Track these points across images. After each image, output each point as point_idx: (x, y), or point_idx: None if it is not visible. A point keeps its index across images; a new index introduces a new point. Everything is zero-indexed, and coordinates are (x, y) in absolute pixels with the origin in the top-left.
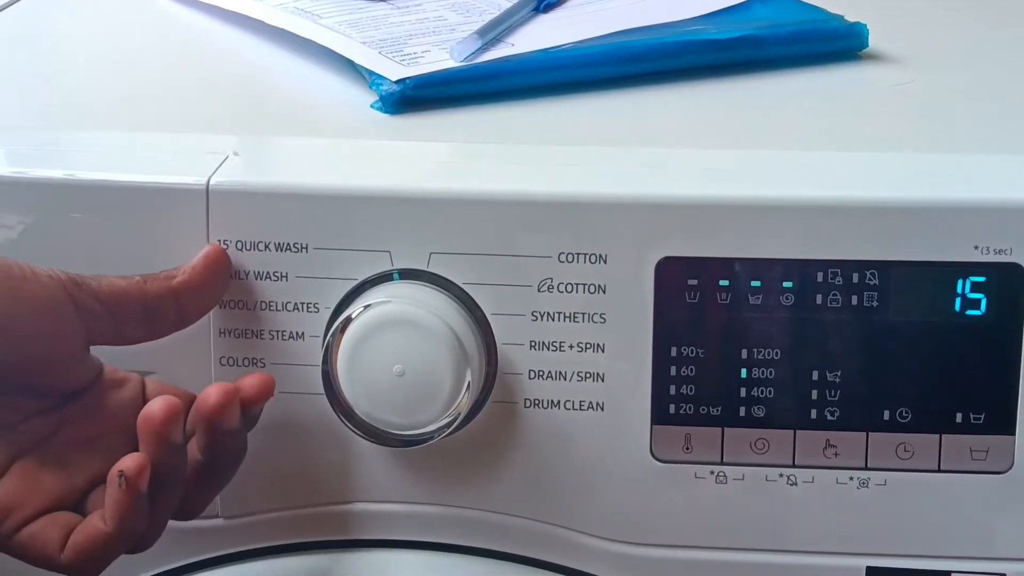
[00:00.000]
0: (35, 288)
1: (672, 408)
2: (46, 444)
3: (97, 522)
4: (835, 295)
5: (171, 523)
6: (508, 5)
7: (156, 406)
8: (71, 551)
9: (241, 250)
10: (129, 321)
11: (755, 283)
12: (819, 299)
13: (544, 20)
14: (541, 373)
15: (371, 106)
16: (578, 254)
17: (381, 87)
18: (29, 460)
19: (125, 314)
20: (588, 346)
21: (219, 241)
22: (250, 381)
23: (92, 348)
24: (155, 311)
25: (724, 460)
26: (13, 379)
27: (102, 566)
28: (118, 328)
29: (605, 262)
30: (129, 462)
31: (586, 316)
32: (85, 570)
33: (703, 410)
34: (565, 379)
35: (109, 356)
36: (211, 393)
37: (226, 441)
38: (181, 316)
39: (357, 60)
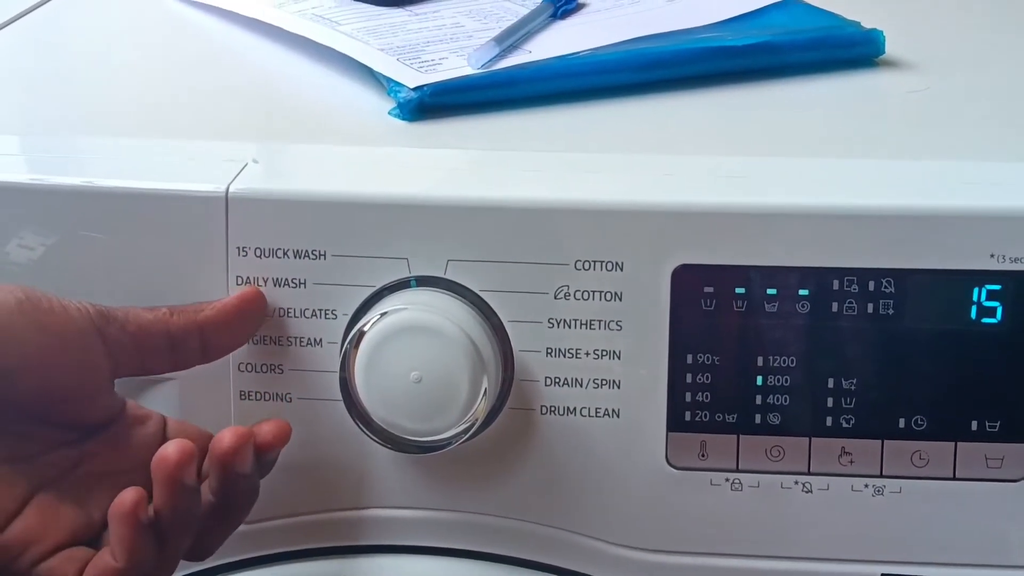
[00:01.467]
0: (63, 321)
1: (688, 415)
2: (66, 478)
3: (107, 558)
4: (851, 303)
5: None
6: (525, 12)
7: (170, 449)
8: None
9: (260, 257)
10: (154, 353)
11: (771, 291)
12: (835, 307)
13: (561, 27)
14: (557, 380)
15: (389, 113)
16: (595, 261)
17: (399, 94)
18: (49, 494)
19: (150, 346)
20: (604, 353)
21: (238, 248)
22: (267, 427)
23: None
24: (179, 343)
25: (739, 467)
26: (39, 410)
27: None
28: (143, 360)
29: (621, 269)
30: (126, 495)
31: (602, 323)
32: None
33: (719, 417)
34: (581, 386)
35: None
36: (225, 437)
37: (239, 484)
38: (205, 350)
39: (375, 67)
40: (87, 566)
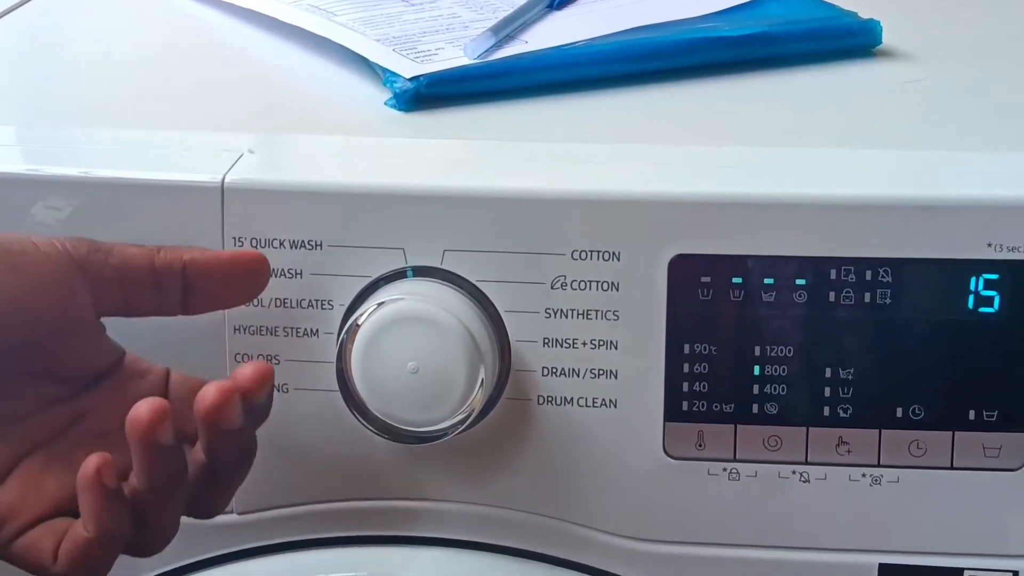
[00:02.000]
0: (37, 259)
1: (685, 405)
2: (60, 439)
3: (79, 528)
4: (848, 292)
5: (184, 520)
6: (522, 2)
7: (142, 408)
8: (62, 559)
9: (256, 247)
10: (137, 289)
11: (768, 280)
12: (832, 296)
13: (557, 17)
14: (554, 370)
15: (385, 103)
16: (591, 251)
17: (395, 84)
18: (35, 459)
19: (134, 281)
20: (601, 343)
21: (234, 238)
22: (245, 372)
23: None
24: (163, 280)
25: (737, 457)
26: (27, 362)
27: (97, 573)
28: (126, 295)
29: (618, 259)
30: (90, 460)
31: (599, 313)
32: None
33: (716, 407)
34: (578, 376)
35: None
36: (208, 392)
37: (229, 441)
38: (186, 293)
39: (371, 57)
40: (63, 538)
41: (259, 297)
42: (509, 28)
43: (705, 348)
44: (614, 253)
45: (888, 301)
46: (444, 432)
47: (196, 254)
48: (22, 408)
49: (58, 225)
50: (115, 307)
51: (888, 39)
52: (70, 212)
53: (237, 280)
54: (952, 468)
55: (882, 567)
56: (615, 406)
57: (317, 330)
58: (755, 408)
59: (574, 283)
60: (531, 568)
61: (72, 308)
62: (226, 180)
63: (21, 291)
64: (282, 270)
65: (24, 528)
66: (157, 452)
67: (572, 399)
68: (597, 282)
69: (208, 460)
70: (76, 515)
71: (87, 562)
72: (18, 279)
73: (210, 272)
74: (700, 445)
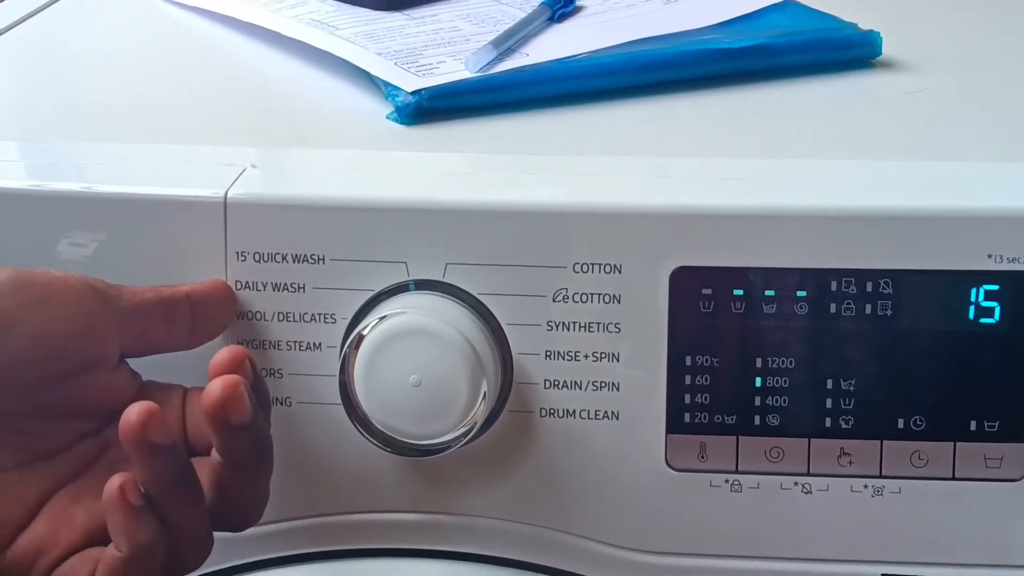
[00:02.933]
0: (61, 290)
1: (687, 417)
2: (87, 472)
3: (112, 551)
4: (849, 304)
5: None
6: (523, 15)
7: (131, 412)
8: None
9: (259, 262)
10: (151, 321)
11: (769, 292)
12: (833, 308)
13: (558, 30)
14: (556, 383)
15: (387, 117)
16: (593, 264)
17: (397, 98)
18: (65, 493)
19: (147, 313)
20: (603, 356)
21: (236, 253)
22: (220, 360)
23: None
24: (173, 310)
25: (739, 469)
26: (54, 399)
27: None
28: (143, 328)
29: (620, 272)
30: (113, 481)
31: (601, 326)
32: None
33: (718, 419)
34: (580, 388)
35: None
36: (213, 389)
37: (243, 437)
38: (194, 320)
39: (373, 71)
40: (97, 566)
41: (262, 311)
42: (510, 41)
43: (707, 360)
44: (615, 266)
45: (889, 312)
46: (447, 445)
47: (190, 286)
48: (51, 445)
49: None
50: (134, 339)
51: (888, 50)
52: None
53: (227, 303)
54: (953, 479)
55: None
56: (617, 418)
57: (320, 344)
58: (757, 420)
59: (576, 296)
60: None
61: (97, 341)
62: (229, 195)
63: (47, 324)
64: (285, 284)
65: (58, 561)
66: (154, 452)
67: (574, 411)
68: (599, 294)
69: (226, 461)
70: (107, 543)
71: None
72: (42, 312)
73: (209, 298)
74: (702, 457)
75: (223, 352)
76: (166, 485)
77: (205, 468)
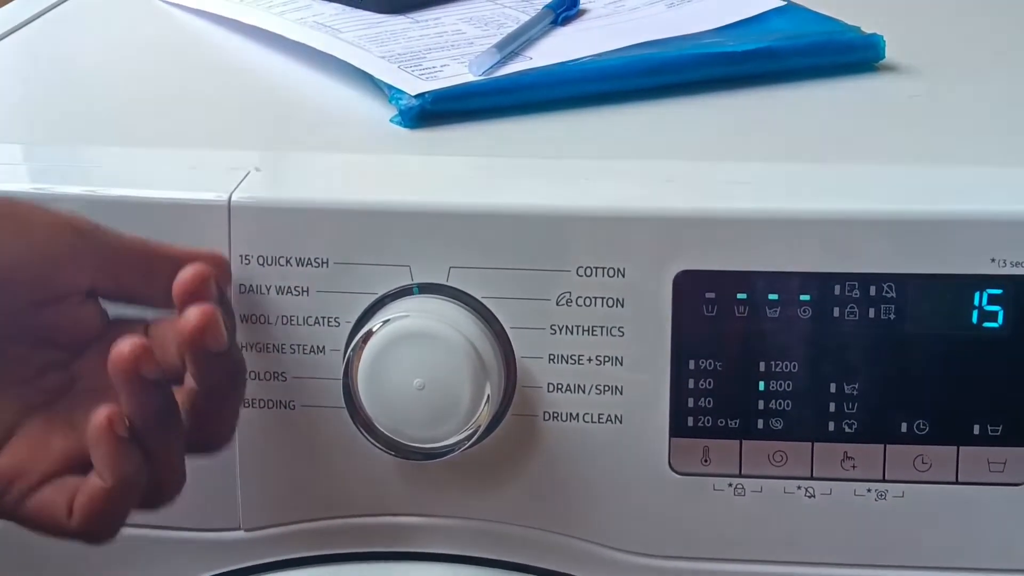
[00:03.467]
0: (44, 223)
1: (690, 421)
2: (59, 401)
3: (95, 480)
4: (852, 308)
5: (192, 537)
6: (526, 18)
7: (123, 345)
8: (78, 513)
9: (263, 265)
10: (128, 266)
11: (772, 296)
12: (836, 312)
13: (562, 33)
14: (560, 386)
15: (391, 120)
16: (596, 268)
17: (400, 101)
18: (38, 420)
19: (127, 261)
20: (607, 359)
21: (240, 256)
22: (183, 278)
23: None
24: (153, 262)
25: (742, 472)
26: (28, 327)
27: (113, 526)
28: (118, 271)
29: (623, 275)
30: (99, 413)
31: (604, 329)
32: (96, 533)
33: (721, 422)
34: (584, 392)
35: None
36: (191, 316)
37: (218, 362)
38: (173, 279)
39: (376, 74)
40: (76, 493)
41: (266, 314)
42: (514, 45)
43: (710, 364)
44: (619, 269)
45: (892, 316)
46: (450, 448)
47: (184, 248)
48: (24, 371)
49: None
50: (107, 281)
51: (891, 54)
52: None
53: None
54: (957, 483)
55: None
56: (620, 422)
57: (324, 347)
58: (760, 423)
59: (579, 299)
60: None
61: (65, 273)
62: (233, 198)
63: (27, 252)
64: (289, 287)
65: (34, 486)
66: (144, 387)
67: (578, 415)
68: (602, 298)
69: (199, 387)
70: (84, 473)
71: (104, 514)
72: (25, 241)
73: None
74: (706, 461)
75: (188, 270)
76: (152, 418)
77: (180, 396)
